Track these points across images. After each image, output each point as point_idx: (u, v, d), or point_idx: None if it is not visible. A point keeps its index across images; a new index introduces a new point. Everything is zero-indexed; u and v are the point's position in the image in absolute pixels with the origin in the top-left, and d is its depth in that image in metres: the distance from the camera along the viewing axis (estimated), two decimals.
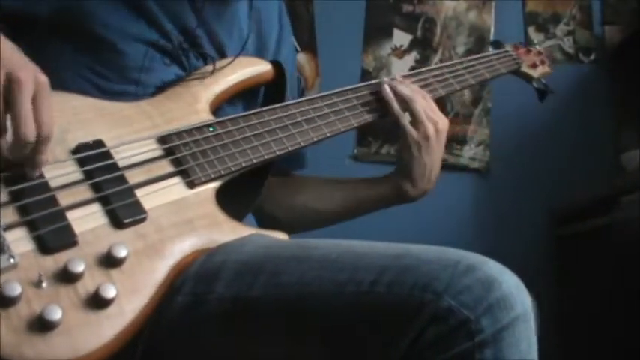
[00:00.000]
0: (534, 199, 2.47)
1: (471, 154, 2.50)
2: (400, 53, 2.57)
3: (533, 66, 1.59)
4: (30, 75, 0.84)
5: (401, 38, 2.58)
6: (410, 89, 1.24)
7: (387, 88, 1.24)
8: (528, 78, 1.58)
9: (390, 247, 0.87)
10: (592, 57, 2.58)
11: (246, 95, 1.23)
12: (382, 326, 0.81)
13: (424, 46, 2.59)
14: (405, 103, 1.23)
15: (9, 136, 0.84)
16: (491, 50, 1.58)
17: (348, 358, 0.83)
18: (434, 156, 1.23)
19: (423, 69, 1.34)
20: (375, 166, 2.45)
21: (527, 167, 2.50)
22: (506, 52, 1.55)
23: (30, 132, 0.83)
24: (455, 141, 2.49)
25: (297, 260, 0.88)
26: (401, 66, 2.55)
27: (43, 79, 0.85)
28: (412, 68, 2.55)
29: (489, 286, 0.78)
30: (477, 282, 0.78)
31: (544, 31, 2.61)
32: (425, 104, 1.22)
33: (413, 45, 2.58)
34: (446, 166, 2.45)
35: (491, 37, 2.58)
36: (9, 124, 0.84)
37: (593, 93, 2.54)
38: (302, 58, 2.44)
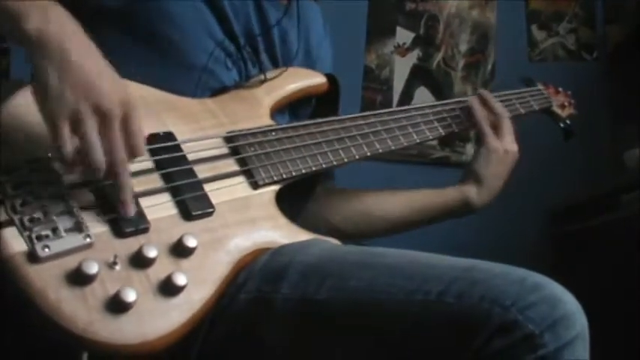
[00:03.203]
0: (535, 197, 2.46)
1: (473, 151, 2.52)
2: (403, 51, 2.59)
3: (562, 107, 1.63)
4: (117, 101, 0.83)
5: (404, 36, 2.60)
6: (502, 106, 1.33)
7: (475, 99, 1.34)
8: (558, 118, 1.62)
9: (455, 260, 0.89)
10: (594, 54, 2.60)
11: (293, 105, 1.25)
12: (449, 335, 0.83)
13: (427, 43, 2.60)
14: (497, 115, 1.31)
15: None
16: (522, 86, 1.62)
17: None
18: (503, 170, 1.30)
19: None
20: (380, 163, 2.39)
21: (528, 165, 2.45)
22: (539, 90, 1.59)
23: (121, 162, 0.84)
24: (458, 138, 2.51)
25: (366, 267, 0.90)
26: (404, 64, 2.57)
27: (129, 100, 0.84)
28: (415, 66, 2.57)
29: (554, 304, 0.81)
30: (543, 300, 0.81)
31: (546, 29, 2.63)
32: (510, 124, 1.32)
33: (416, 43, 2.60)
34: (449, 163, 2.50)
35: (495, 36, 2.61)
36: None
37: (595, 90, 2.53)
38: None
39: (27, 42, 0.83)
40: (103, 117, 0.82)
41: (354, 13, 2.55)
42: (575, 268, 2.08)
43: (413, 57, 2.59)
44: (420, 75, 2.58)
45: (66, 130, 0.80)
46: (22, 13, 0.83)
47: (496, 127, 1.31)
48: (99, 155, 0.82)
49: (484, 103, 1.33)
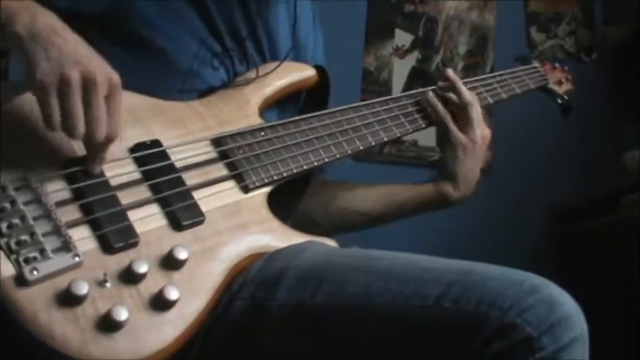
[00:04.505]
0: (536, 199, 2.47)
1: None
2: (402, 53, 2.57)
3: (559, 83, 1.60)
4: (104, 76, 0.84)
5: (402, 38, 2.57)
6: (470, 93, 1.26)
7: (431, 94, 1.27)
8: (555, 95, 1.59)
9: (453, 262, 0.89)
10: (594, 56, 2.60)
11: (281, 99, 1.23)
12: (447, 339, 0.82)
13: (426, 45, 2.58)
14: (463, 105, 1.25)
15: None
16: (518, 65, 1.59)
17: None
18: (476, 161, 1.25)
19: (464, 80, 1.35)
20: (377, 166, 2.43)
21: (529, 167, 2.49)
22: (535, 67, 1.56)
23: (101, 134, 0.84)
24: None
25: (362, 270, 0.89)
26: (402, 66, 2.55)
27: (116, 79, 0.85)
28: (414, 68, 2.56)
29: (552, 306, 0.81)
30: (541, 302, 0.81)
31: (546, 31, 2.62)
32: (479, 111, 1.25)
33: (414, 45, 2.58)
34: None
35: (494, 37, 2.59)
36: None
37: (594, 92, 2.52)
38: None
39: (18, 41, 0.84)
40: (89, 85, 0.82)
41: (353, 15, 2.52)
42: (574, 270, 2.08)
43: (412, 59, 2.56)
44: (418, 77, 2.56)
45: (53, 96, 0.81)
46: (10, 17, 0.84)
47: (461, 119, 1.25)
48: (80, 125, 0.82)
49: (443, 94, 1.27)
